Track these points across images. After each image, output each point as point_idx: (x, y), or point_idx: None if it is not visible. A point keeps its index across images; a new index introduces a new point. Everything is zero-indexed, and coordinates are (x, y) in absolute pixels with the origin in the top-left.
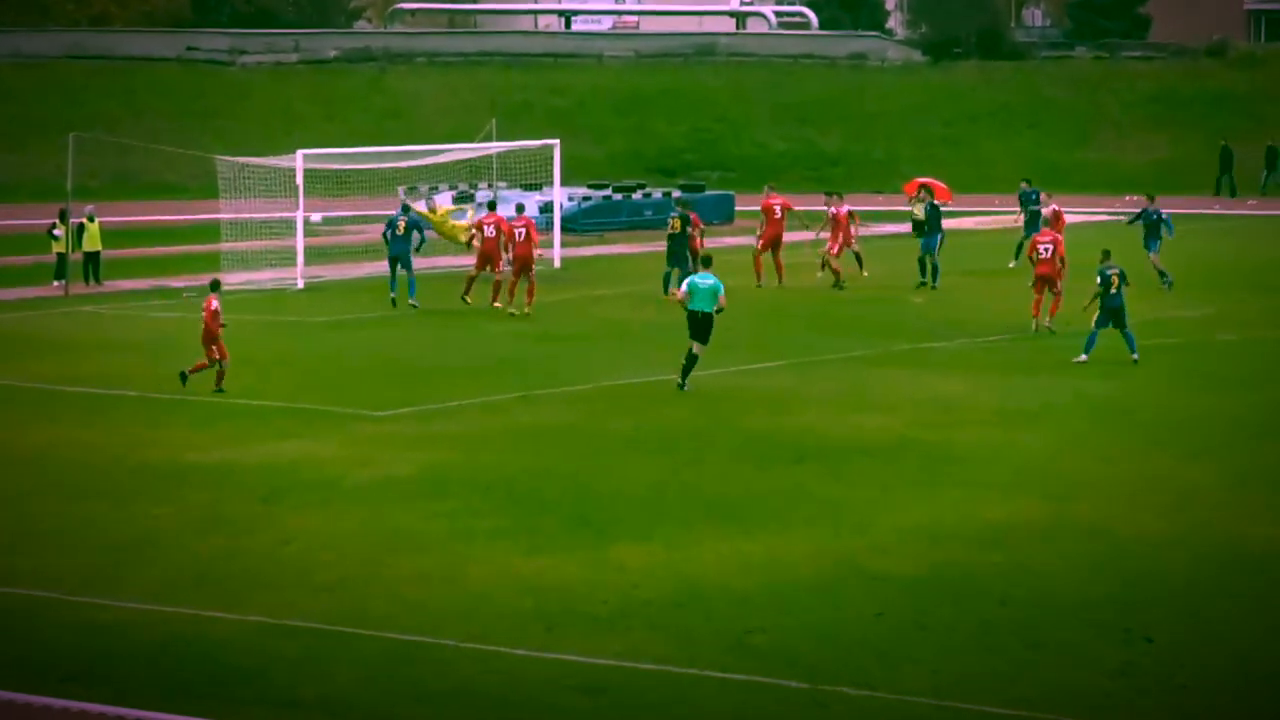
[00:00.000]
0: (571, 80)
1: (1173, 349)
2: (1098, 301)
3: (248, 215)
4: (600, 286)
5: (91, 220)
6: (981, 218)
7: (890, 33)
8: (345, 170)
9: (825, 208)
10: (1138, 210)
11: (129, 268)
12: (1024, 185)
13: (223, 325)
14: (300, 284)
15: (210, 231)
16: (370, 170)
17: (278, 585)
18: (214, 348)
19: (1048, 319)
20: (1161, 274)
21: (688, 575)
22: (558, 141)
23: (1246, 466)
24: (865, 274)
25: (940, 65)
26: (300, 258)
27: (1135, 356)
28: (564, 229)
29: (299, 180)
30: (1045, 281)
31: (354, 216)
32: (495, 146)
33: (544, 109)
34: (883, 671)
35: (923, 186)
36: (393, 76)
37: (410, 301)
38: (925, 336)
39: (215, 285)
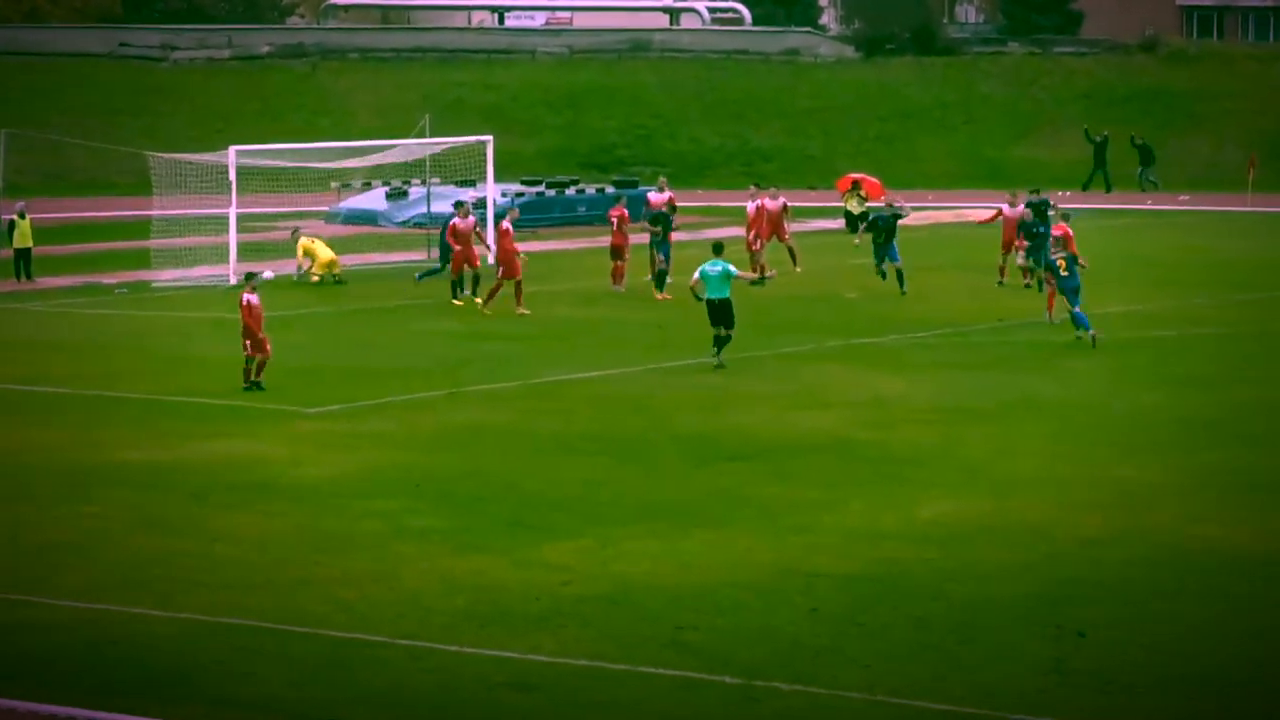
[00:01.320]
0: (505, 76)
1: (1103, 346)
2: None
3: (180, 212)
4: (533, 284)
5: (23, 217)
6: (916, 214)
7: (824, 29)
8: (279, 167)
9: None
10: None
11: (61, 265)
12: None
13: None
14: (233, 280)
15: (142, 228)
16: (304, 168)
17: (209, 585)
18: (251, 342)
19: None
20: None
21: (621, 573)
22: (491, 138)
23: (1187, 465)
24: (798, 269)
25: (874, 61)
26: (233, 254)
27: (1091, 333)
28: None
29: (232, 176)
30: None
31: (287, 213)
32: (429, 143)
33: (477, 105)
34: (816, 668)
35: (855, 183)
36: (325, 73)
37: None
38: (861, 333)
39: (249, 278)
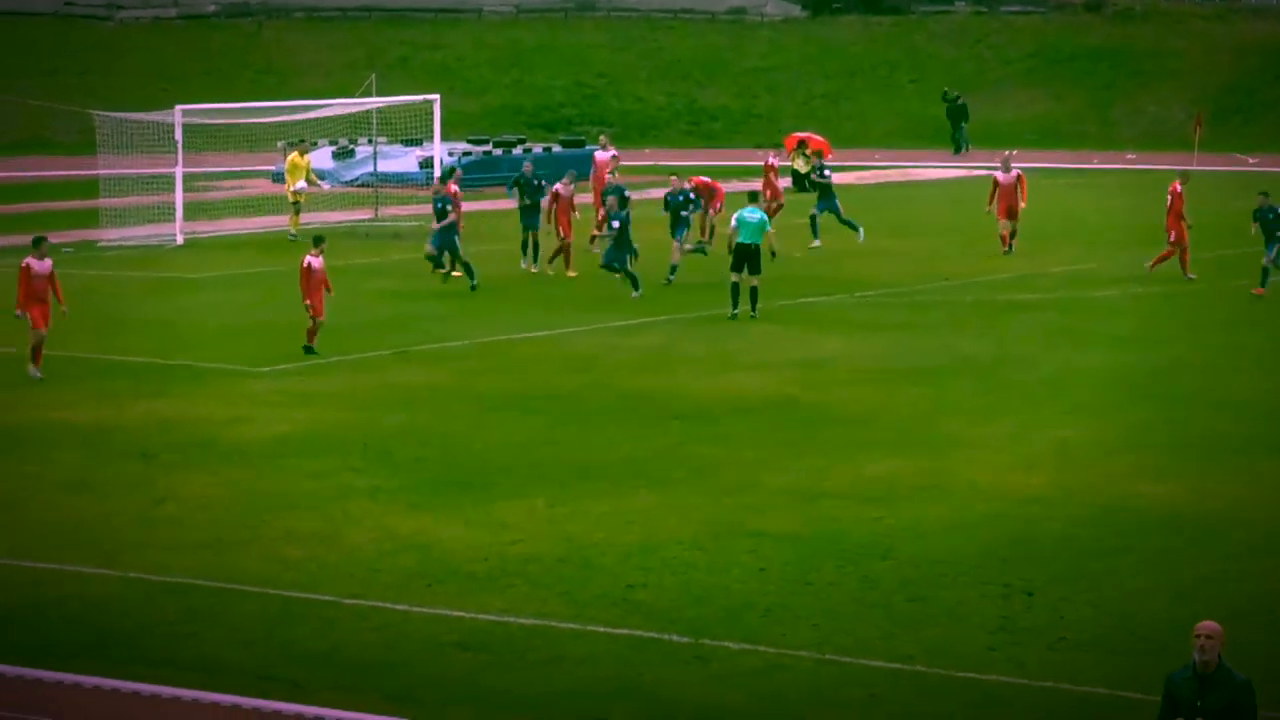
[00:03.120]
0: (451, 36)
1: (1045, 305)
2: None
3: (126, 171)
4: (478, 243)
5: None
6: (861, 173)
7: None
8: (224, 125)
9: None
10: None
11: (5, 224)
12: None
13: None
14: (180, 240)
15: (88, 187)
16: (250, 125)
17: (153, 544)
18: (308, 304)
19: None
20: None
21: (568, 533)
22: (438, 96)
23: (1125, 424)
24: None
25: (820, 20)
26: (179, 214)
27: None
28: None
29: (178, 135)
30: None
31: (233, 172)
32: (374, 101)
33: (423, 64)
34: (765, 627)
35: (801, 141)
36: (271, 32)
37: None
38: (802, 292)
39: (318, 241)
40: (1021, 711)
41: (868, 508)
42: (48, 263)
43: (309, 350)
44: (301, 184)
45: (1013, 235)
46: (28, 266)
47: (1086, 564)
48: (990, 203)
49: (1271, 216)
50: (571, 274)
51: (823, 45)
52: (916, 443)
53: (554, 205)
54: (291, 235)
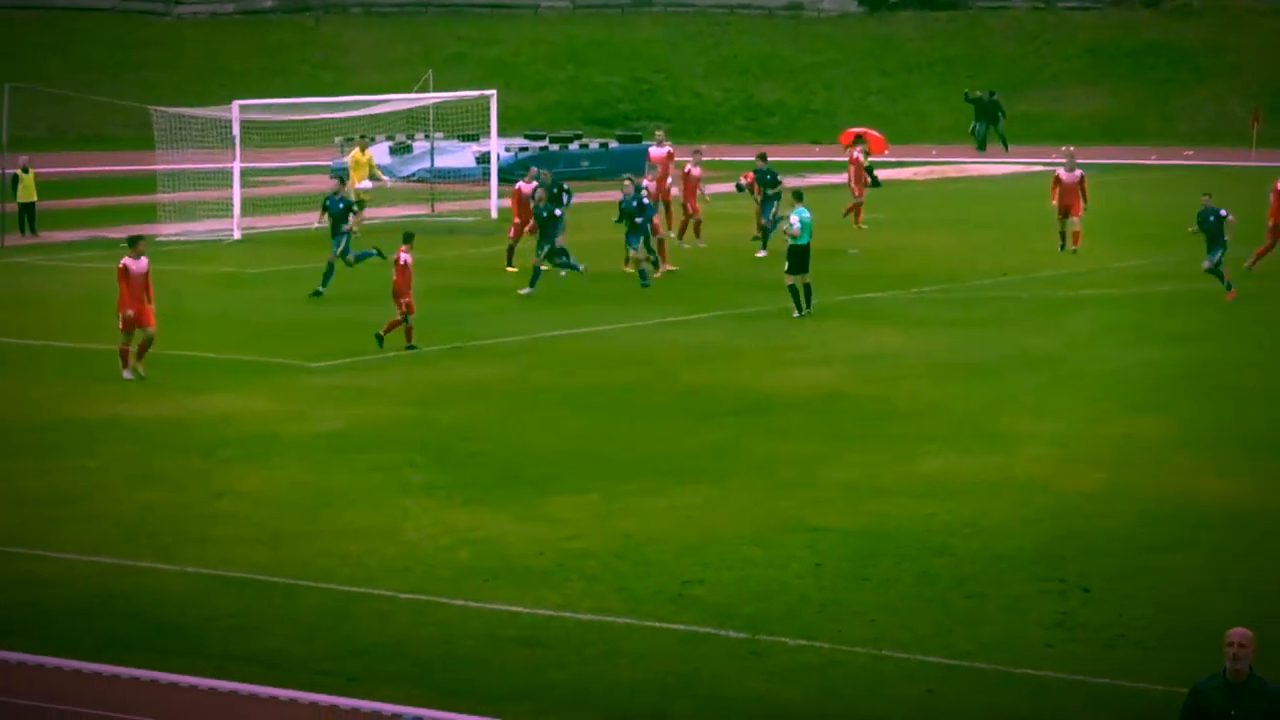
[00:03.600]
0: (508, 31)
1: (1103, 300)
2: None
3: (184, 166)
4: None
5: (26, 171)
6: (918, 169)
7: None
8: (281, 120)
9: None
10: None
11: (65, 219)
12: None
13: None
14: (237, 235)
15: (146, 183)
16: (307, 120)
17: (212, 539)
18: (403, 302)
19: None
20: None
21: (625, 528)
22: (494, 92)
23: (1185, 419)
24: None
25: (877, 15)
26: (237, 209)
27: None
28: (501, 180)
29: (235, 131)
30: None
31: (290, 167)
32: (432, 97)
33: (479, 60)
34: (822, 622)
35: (858, 136)
36: (328, 26)
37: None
38: (858, 288)
39: (408, 238)
40: (1079, 708)
41: (925, 503)
42: (144, 261)
43: (411, 348)
44: (366, 183)
45: (1075, 236)
46: (125, 267)
47: (1145, 560)
48: (1053, 199)
49: (1213, 219)
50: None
51: (880, 41)
52: (974, 438)
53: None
54: (354, 232)
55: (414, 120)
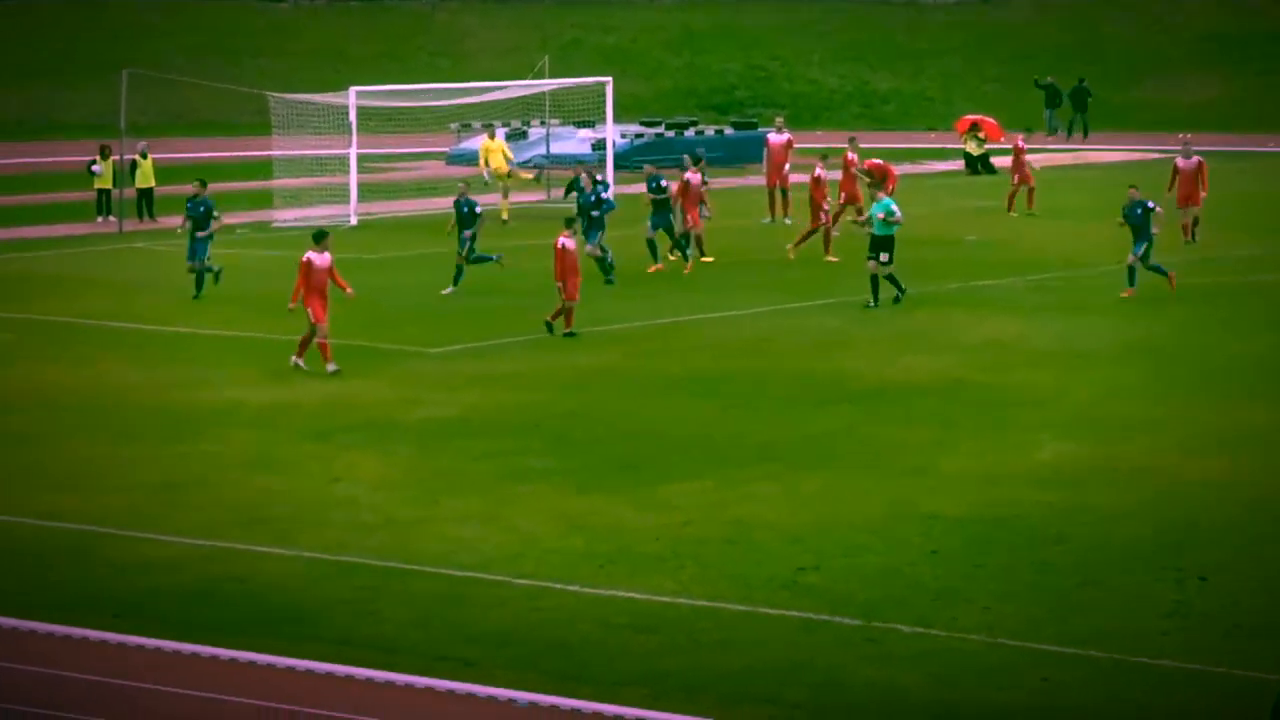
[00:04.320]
0: (623, 18)
1: (1220, 290)
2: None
3: (300, 152)
4: (727, 218)
5: (144, 157)
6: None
7: None
8: (397, 107)
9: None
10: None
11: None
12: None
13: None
14: (354, 220)
15: (263, 168)
16: (423, 107)
17: (328, 524)
18: (565, 286)
19: None
20: None
21: (739, 515)
22: (610, 79)
23: None
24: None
25: (993, 3)
26: (354, 194)
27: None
28: (617, 166)
29: (352, 117)
30: None
31: (406, 154)
32: (547, 84)
33: (594, 46)
34: (936, 610)
35: (974, 124)
36: (445, 13)
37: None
38: (973, 276)
39: (569, 222)
40: (1195, 697)
41: (1041, 490)
42: (327, 256)
43: (569, 334)
44: (510, 164)
45: (1195, 224)
46: (309, 261)
47: (1262, 549)
48: (1170, 188)
49: (1140, 211)
50: (708, 259)
51: (997, 28)
52: (1090, 426)
53: (682, 195)
54: (503, 220)
55: (529, 107)
